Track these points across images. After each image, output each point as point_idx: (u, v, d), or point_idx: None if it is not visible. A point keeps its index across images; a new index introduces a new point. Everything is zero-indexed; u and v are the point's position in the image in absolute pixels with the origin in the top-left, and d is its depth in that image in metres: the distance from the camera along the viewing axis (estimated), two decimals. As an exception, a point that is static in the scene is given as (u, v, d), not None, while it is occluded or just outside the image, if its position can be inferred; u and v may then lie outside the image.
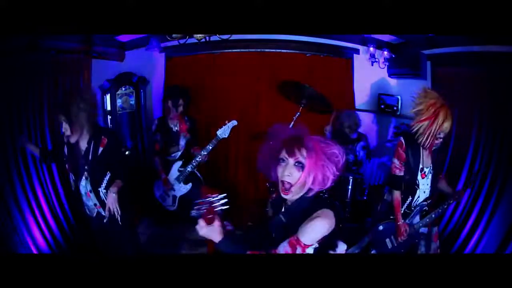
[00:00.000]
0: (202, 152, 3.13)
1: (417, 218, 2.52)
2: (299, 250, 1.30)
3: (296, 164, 1.33)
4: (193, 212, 1.37)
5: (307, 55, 4.14)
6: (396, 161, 2.46)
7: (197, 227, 1.33)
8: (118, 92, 3.91)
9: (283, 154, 1.36)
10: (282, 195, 1.39)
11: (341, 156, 1.37)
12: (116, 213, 2.31)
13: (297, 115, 3.33)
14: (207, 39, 3.26)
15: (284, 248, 1.31)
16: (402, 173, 2.44)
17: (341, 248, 1.54)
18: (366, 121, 4.29)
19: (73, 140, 2.29)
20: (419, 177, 2.44)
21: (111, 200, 2.29)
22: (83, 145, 2.32)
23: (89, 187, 2.36)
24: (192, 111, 3.88)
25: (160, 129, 3.32)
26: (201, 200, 1.37)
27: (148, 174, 3.54)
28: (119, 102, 3.94)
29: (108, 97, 3.85)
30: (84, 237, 2.95)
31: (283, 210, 1.47)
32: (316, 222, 1.30)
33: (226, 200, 1.34)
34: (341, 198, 3.53)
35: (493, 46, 2.75)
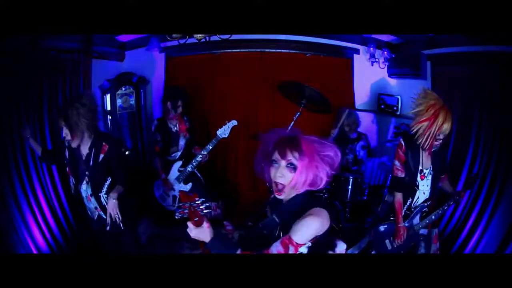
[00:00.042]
0: (202, 152, 3.13)
1: (417, 219, 2.52)
2: (291, 250, 1.30)
3: (288, 165, 1.35)
4: (177, 215, 1.42)
5: (307, 55, 4.14)
6: (397, 162, 2.47)
7: (188, 229, 1.35)
8: (118, 92, 3.90)
9: (276, 156, 1.37)
10: (276, 196, 1.40)
11: (336, 156, 1.38)
12: (117, 219, 2.32)
13: (297, 115, 3.33)
14: (207, 39, 3.27)
15: (276, 248, 1.32)
16: (403, 175, 2.45)
17: (341, 248, 1.54)
18: (366, 121, 4.29)
19: (74, 145, 2.30)
20: (418, 178, 2.44)
21: (112, 206, 2.30)
22: (84, 150, 2.33)
23: (89, 191, 2.38)
24: (192, 111, 3.88)
25: (160, 130, 3.32)
26: (182, 204, 1.41)
27: (148, 174, 3.54)
28: (119, 102, 3.93)
29: (108, 97, 3.84)
30: (84, 237, 2.95)
31: (277, 210, 1.48)
32: (307, 220, 1.31)
33: (207, 204, 1.37)
34: (341, 198, 3.53)
35: (493, 46, 2.75)
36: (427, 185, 2.47)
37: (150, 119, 4.06)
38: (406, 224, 2.49)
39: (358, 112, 3.96)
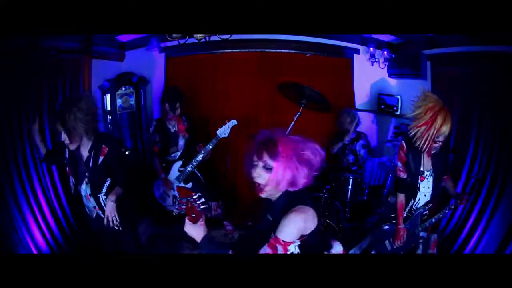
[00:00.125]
0: (202, 151, 3.13)
1: (417, 222, 2.51)
2: (280, 249, 1.31)
3: (265, 166, 1.38)
4: (174, 211, 1.44)
5: (307, 55, 4.14)
6: (398, 163, 2.47)
7: (184, 225, 1.41)
8: (118, 92, 3.90)
9: (254, 157, 1.42)
10: (259, 195, 1.44)
11: (315, 156, 1.38)
12: (114, 221, 2.33)
13: (297, 115, 3.33)
14: (207, 39, 3.27)
15: (264, 251, 1.33)
16: (405, 176, 2.46)
17: (337, 249, 1.55)
18: (366, 121, 4.30)
19: (72, 147, 2.30)
20: (418, 179, 2.44)
21: (110, 209, 2.31)
22: (84, 152, 2.33)
23: (89, 191, 2.38)
24: (192, 111, 3.89)
25: (158, 130, 3.32)
26: (179, 199, 1.42)
27: (148, 174, 3.54)
28: (119, 102, 3.93)
29: (108, 97, 3.84)
30: (84, 237, 2.95)
31: (269, 209, 1.49)
32: (289, 217, 1.32)
33: (203, 199, 1.39)
34: (341, 198, 3.53)
35: (493, 46, 2.75)
36: (428, 187, 2.46)
37: (150, 119, 4.06)
38: (407, 226, 2.49)
39: (358, 112, 3.96)
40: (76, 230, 3.08)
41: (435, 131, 2.21)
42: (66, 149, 2.37)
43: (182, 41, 3.10)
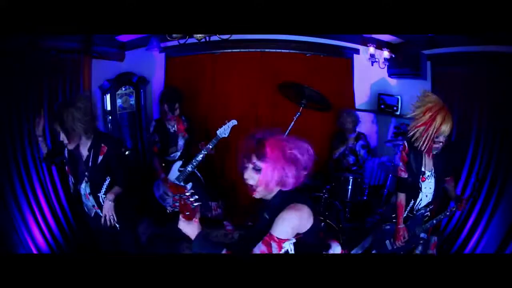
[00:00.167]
0: (202, 151, 3.13)
1: (418, 223, 2.51)
2: (274, 246, 1.32)
3: (254, 168, 1.41)
4: (168, 208, 1.44)
5: (307, 55, 4.14)
6: (401, 163, 2.48)
7: (179, 221, 1.43)
8: (118, 92, 3.90)
9: (245, 159, 1.45)
10: (252, 195, 1.46)
11: (303, 155, 1.39)
12: (112, 221, 2.34)
13: (297, 115, 3.33)
14: (207, 39, 3.27)
15: (259, 248, 1.35)
16: (406, 176, 2.46)
17: (336, 250, 1.56)
18: (366, 121, 4.30)
19: (71, 147, 2.30)
20: (420, 180, 2.44)
21: (108, 208, 2.33)
22: (84, 151, 2.33)
23: (88, 190, 2.39)
24: (192, 111, 3.88)
25: (158, 131, 3.32)
26: (172, 196, 1.43)
27: (148, 174, 3.54)
28: (119, 102, 3.93)
29: (108, 97, 3.84)
30: (83, 236, 2.95)
31: (266, 208, 1.51)
32: (284, 214, 1.34)
33: (196, 196, 1.40)
34: (341, 198, 3.53)
35: (493, 46, 2.75)
36: (430, 188, 2.46)
37: (150, 119, 4.06)
38: (408, 226, 2.49)
39: (358, 112, 3.96)
40: (76, 230, 3.08)
41: (434, 131, 2.20)
42: (66, 149, 2.37)
43: (182, 41, 3.10)
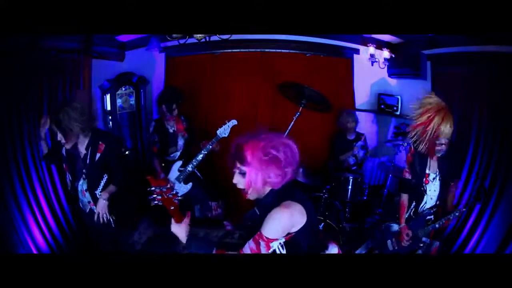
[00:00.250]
0: (203, 151, 3.12)
1: (421, 225, 2.50)
2: (262, 245, 1.32)
3: (240, 172, 1.44)
4: (153, 203, 1.47)
5: (307, 55, 4.14)
6: (406, 164, 2.50)
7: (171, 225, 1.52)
8: (118, 92, 3.90)
9: (231, 166, 1.48)
10: (245, 198, 1.49)
11: (284, 153, 1.38)
12: (105, 218, 2.35)
13: (297, 115, 3.33)
14: (207, 39, 3.27)
15: (249, 245, 1.36)
16: (410, 177, 2.47)
17: (332, 251, 1.56)
18: (366, 121, 4.30)
19: (68, 146, 2.31)
20: (423, 182, 2.44)
21: (101, 206, 2.35)
22: (82, 149, 2.35)
23: (85, 187, 2.41)
24: (192, 111, 3.88)
25: (157, 131, 3.32)
26: (153, 189, 1.43)
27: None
28: (119, 102, 3.93)
29: (108, 97, 3.84)
30: (83, 236, 2.95)
31: (258, 203, 1.53)
32: (274, 213, 1.33)
33: (176, 191, 1.43)
34: (341, 198, 3.53)
35: (493, 46, 2.75)
36: (435, 190, 2.45)
37: (150, 119, 4.06)
38: (411, 227, 2.49)
39: (358, 112, 3.97)
40: (76, 230, 3.08)
41: (433, 131, 2.20)
42: (63, 148, 2.38)
43: (182, 41, 3.10)
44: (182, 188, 3.30)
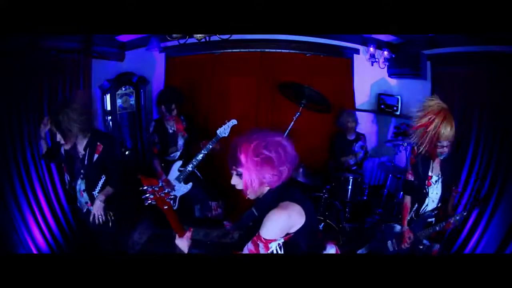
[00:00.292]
0: (203, 151, 3.13)
1: (420, 226, 2.51)
2: (261, 247, 1.32)
3: (237, 174, 1.45)
4: (146, 202, 1.48)
5: (307, 55, 4.14)
6: (409, 166, 2.50)
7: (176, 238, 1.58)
8: (118, 92, 3.90)
9: (230, 167, 1.48)
10: (246, 198, 1.49)
11: (277, 152, 1.37)
12: (100, 220, 2.36)
13: (297, 115, 3.33)
14: (207, 39, 3.27)
15: (248, 247, 1.36)
16: (413, 178, 2.47)
17: (330, 251, 1.56)
18: (366, 121, 4.30)
19: (67, 147, 2.31)
20: (426, 183, 2.44)
21: (97, 208, 2.35)
22: (81, 149, 2.35)
23: (83, 187, 2.42)
24: (192, 111, 3.88)
25: (157, 131, 3.32)
26: (144, 188, 1.48)
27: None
28: (119, 102, 3.93)
29: (108, 97, 3.84)
30: (83, 236, 2.95)
31: (256, 204, 1.53)
32: (271, 214, 1.33)
33: (167, 190, 1.44)
34: (341, 198, 3.54)
35: (493, 46, 2.75)
36: (437, 193, 2.45)
37: (150, 119, 4.06)
38: (412, 225, 2.49)
39: (358, 112, 3.97)
40: (76, 230, 3.08)
41: (433, 133, 2.19)
42: (62, 148, 2.39)
43: (182, 41, 3.10)
44: (182, 188, 3.30)
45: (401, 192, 3.52)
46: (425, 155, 2.36)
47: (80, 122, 2.20)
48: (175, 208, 3.32)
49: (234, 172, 1.45)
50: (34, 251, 2.70)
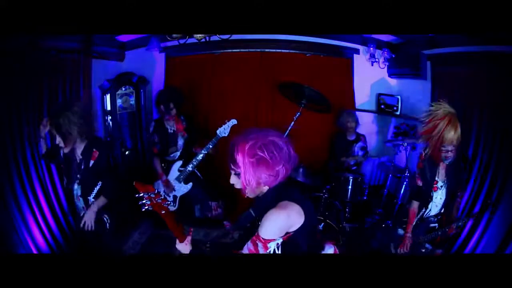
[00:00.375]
0: (203, 151, 3.13)
1: (421, 230, 2.50)
2: (260, 246, 1.32)
3: (235, 173, 1.44)
4: (143, 208, 1.48)
5: (307, 55, 4.14)
6: (417, 171, 2.49)
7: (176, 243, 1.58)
8: (118, 92, 3.90)
9: (229, 166, 1.48)
10: (245, 196, 1.49)
11: (273, 152, 1.36)
12: (89, 228, 2.37)
13: (297, 115, 3.33)
14: (207, 39, 3.27)
15: (247, 247, 1.36)
16: (421, 184, 2.47)
17: (328, 251, 1.56)
18: (366, 121, 4.30)
19: (67, 150, 2.32)
20: (432, 189, 2.44)
21: (89, 217, 2.36)
22: (79, 153, 2.37)
23: (79, 192, 2.43)
24: (192, 111, 3.88)
25: (157, 131, 3.32)
26: (141, 194, 1.49)
27: (148, 175, 3.54)
28: (119, 102, 3.93)
29: (108, 97, 3.84)
30: (82, 236, 2.96)
31: (254, 204, 1.53)
32: (270, 213, 1.33)
33: (164, 196, 1.44)
34: (341, 198, 3.54)
35: (493, 46, 2.75)
36: (441, 198, 2.45)
37: (150, 119, 4.06)
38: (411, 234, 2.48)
39: (358, 112, 3.97)
40: (76, 230, 3.08)
41: (437, 137, 2.19)
42: (61, 151, 2.39)
43: (182, 41, 3.11)
44: (182, 188, 3.30)
45: (401, 193, 3.53)
46: (431, 160, 2.36)
47: (79, 125, 2.20)
48: (175, 208, 3.32)
49: (233, 172, 1.45)
50: (34, 251, 2.70)
